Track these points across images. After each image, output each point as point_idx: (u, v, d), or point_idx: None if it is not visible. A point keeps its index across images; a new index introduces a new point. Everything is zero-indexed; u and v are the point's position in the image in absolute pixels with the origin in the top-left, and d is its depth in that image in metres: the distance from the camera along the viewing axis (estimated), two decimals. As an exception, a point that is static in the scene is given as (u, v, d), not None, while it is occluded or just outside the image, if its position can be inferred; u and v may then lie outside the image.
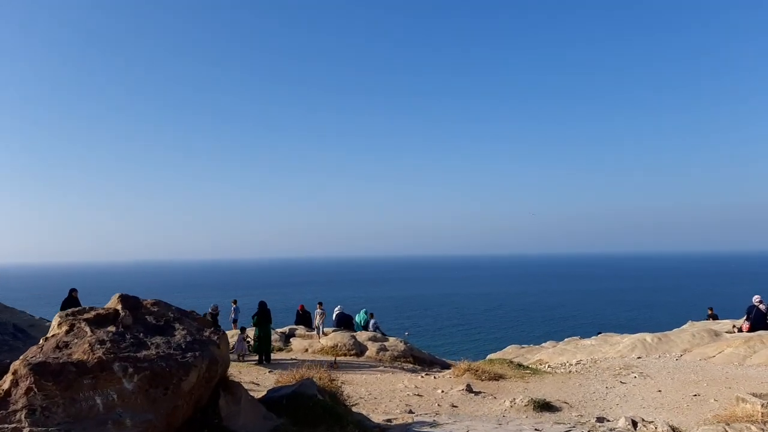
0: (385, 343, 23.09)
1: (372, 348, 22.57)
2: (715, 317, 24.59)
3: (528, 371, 14.69)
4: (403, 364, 22.32)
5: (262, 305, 19.43)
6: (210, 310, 22.09)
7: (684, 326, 20.89)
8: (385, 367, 19.80)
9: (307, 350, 22.04)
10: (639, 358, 15.77)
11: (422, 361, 23.43)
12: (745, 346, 14.51)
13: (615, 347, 16.98)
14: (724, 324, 20.03)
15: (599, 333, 26.81)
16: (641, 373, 13.47)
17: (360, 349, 22.52)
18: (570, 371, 14.59)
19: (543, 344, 23.82)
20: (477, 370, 14.06)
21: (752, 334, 15.56)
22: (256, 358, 18.91)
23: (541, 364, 17.19)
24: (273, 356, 20.08)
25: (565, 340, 24.35)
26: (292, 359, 20.06)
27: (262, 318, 19.10)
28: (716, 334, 16.35)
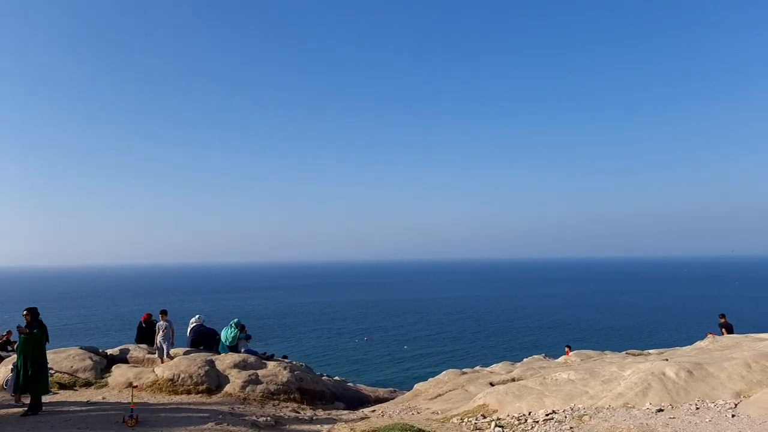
0: (259, 372, 15.33)
1: (236, 380, 14.80)
2: (729, 328, 17.82)
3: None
4: (283, 403, 14.69)
5: (32, 314, 11.46)
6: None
7: (702, 343, 13.85)
8: (235, 414, 12.22)
9: (131, 384, 14.18)
10: (660, 411, 8.56)
11: (317, 395, 15.76)
12: None
13: (611, 385, 9.70)
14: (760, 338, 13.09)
15: (568, 348, 19.73)
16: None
17: (216, 382, 14.76)
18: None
19: (493, 367, 16.63)
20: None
21: None
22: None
23: (484, 417, 9.84)
24: (61, 396, 12.53)
25: (526, 360, 17.14)
26: (82, 404, 12.39)
27: (30, 340, 11.24)
28: (787, 364, 9.29)
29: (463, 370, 16.20)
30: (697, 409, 8.53)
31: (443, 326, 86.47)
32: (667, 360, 10.28)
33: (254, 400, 14.23)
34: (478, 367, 17.19)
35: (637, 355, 14.43)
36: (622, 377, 9.81)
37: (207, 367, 14.81)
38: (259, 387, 14.64)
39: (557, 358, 16.75)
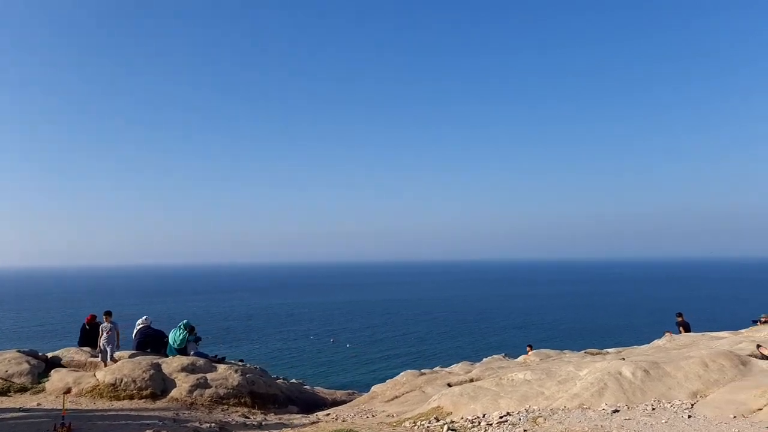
0: (209, 375, 14.64)
1: (183, 384, 14.09)
2: (686, 326, 17.84)
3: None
4: (232, 408, 14.05)
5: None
6: None
7: (660, 341, 13.75)
8: (178, 420, 11.57)
9: (70, 390, 13.37)
10: (616, 411, 8.28)
11: (270, 399, 15.15)
12: (826, 391, 7.31)
13: (568, 386, 9.40)
14: (719, 337, 13.03)
15: (530, 347, 19.55)
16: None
17: (161, 387, 14.03)
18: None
19: (453, 367, 16.29)
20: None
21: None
22: None
23: (437, 420, 9.44)
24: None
25: (485, 360, 16.86)
26: (14, 411, 11.63)
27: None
28: (743, 363, 9.11)
29: (422, 371, 15.80)
30: (654, 409, 8.27)
31: (411, 327, 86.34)
32: (623, 359, 10.04)
33: (202, 405, 13.55)
34: (437, 368, 16.81)
35: (596, 354, 14.25)
36: (579, 377, 9.52)
37: (152, 371, 14.06)
38: (208, 391, 13.96)
39: (518, 357, 16.50)
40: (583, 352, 15.12)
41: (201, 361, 14.77)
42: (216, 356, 15.83)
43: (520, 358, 15.94)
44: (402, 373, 15.32)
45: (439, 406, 10.28)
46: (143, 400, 13.38)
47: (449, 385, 13.51)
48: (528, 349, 19.93)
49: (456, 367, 15.91)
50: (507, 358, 16.86)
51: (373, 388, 15.09)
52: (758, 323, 15.49)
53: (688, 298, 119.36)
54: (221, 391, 14.08)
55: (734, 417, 7.66)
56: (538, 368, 10.54)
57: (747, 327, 14.55)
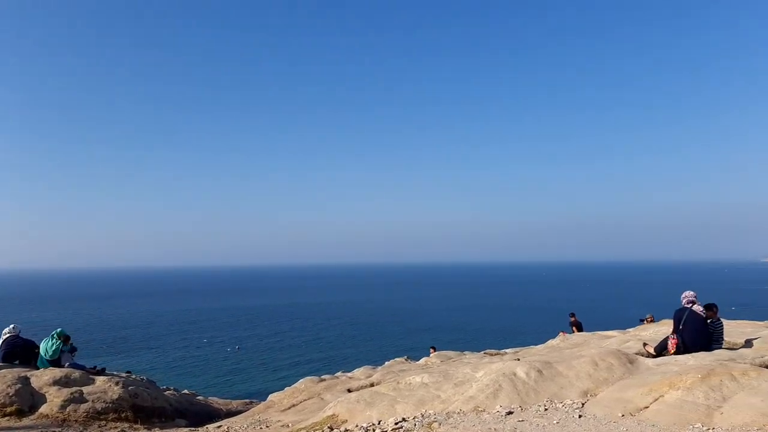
0: (85, 389, 13.28)
1: (55, 399, 12.65)
2: (578, 326, 18.48)
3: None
4: (111, 423, 12.82)
5: None
6: None
7: (554, 341, 14.04)
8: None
9: None
10: (510, 413, 8.15)
11: (155, 413, 13.99)
12: (704, 387, 7.50)
13: (464, 388, 9.21)
14: (610, 336, 13.46)
15: (433, 349, 19.55)
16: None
17: (29, 402, 12.56)
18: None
19: (354, 372, 15.86)
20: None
21: (698, 361, 8.76)
22: None
23: (331, 429, 8.95)
24: None
25: (387, 364, 16.59)
26: None
27: None
28: (631, 361, 9.32)
29: (322, 377, 15.23)
30: (546, 410, 8.22)
31: (323, 332, 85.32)
32: (518, 359, 10.03)
33: (76, 421, 12.23)
34: (339, 373, 16.31)
35: (494, 354, 14.37)
36: (475, 379, 9.36)
37: (18, 385, 12.55)
38: (84, 406, 12.65)
39: (419, 360, 16.37)
40: (482, 353, 15.21)
41: (76, 374, 13.38)
42: (95, 367, 14.44)
43: (422, 361, 15.79)
44: (301, 380, 14.68)
45: (334, 414, 9.79)
46: (7, 418, 11.89)
47: (349, 391, 13.08)
48: (431, 350, 19.94)
49: (357, 372, 15.48)
50: (409, 360, 16.69)
51: (270, 396, 14.35)
52: (644, 322, 16.35)
53: (582, 299, 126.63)
54: (99, 406, 12.80)
55: (622, 415, 7.73)
56: (436, 371, 10.32)
57: (634, 326, 15.25)
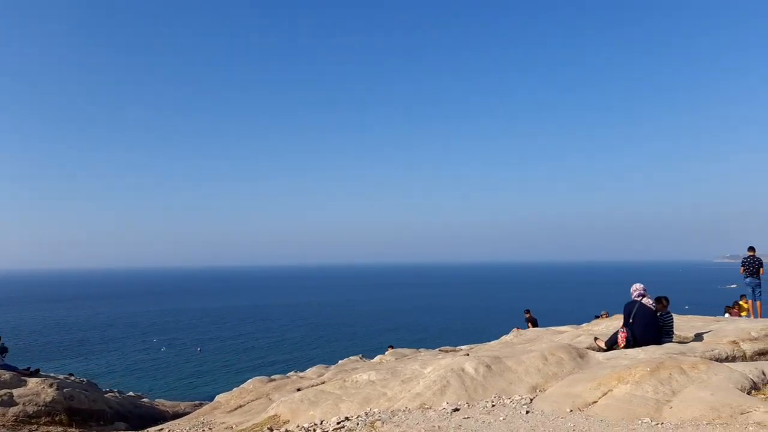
0: (15, 391, 12.49)
1: (-21, 402, 11.90)
2: (534, 322, 18.41)
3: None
4: (44, 427, 12.06)
5: None
6: None
7: (508, 337, 13.82)
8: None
9: None
10: (456, 410, 7.80)
11: (93, 416, 13.27)
12: (653, 381, 7.28)
13: (411, 385, 8.84)
14: (564, 331, 13.30)
15: (391, 347, 19.21)
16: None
17: (-49, 407, 11.71)
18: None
19: (307, 371, 15.39)
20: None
21: (648, 355, 8.56)
22: None
23: (272, 430, 8.48)
24: None
25: (341, 362, 16.17)
26: None
27: None
28: (581, 356, 9.08)
29: (272, 376, 14.70)
30: (493, 406, 7.90)
31: (287, 333, 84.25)
32: (468, 355, 9.72)
33: (3, 425, 11.46)
34: (291, 373, 15.81)
35: (449, 351, 14.07)
36: (423, 375, 9.00)
37: (-61, 389, 11.71)
38: (13, 409, 11.87)
39: (374, 358, 15.99)
40: (437, 350, 14.92)
41: (6, 375, 12.57)
42: (28, 369, 13.61)
43: (376, 359, 15.42)
44: (249, 380, 14.11)
45: (275, 415, 9.29)
46: None
47: (298, 390, 12.61)
48: (389, 349, 19.60)
49: (310, 371, 15.01)
50: (364, 359, 16.30)
51: (217, 397, 13.76)
52: (599, 318, 16.33)
53: (541, 299, 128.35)
54: (30, 409, 12.03)
55: (570, 411, 7.46)
56: (384, 368, 9.92)
57: (589, 322, 15.19)
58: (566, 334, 11.90)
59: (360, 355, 17.34)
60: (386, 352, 16.35)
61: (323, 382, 12.49)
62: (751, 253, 16.89)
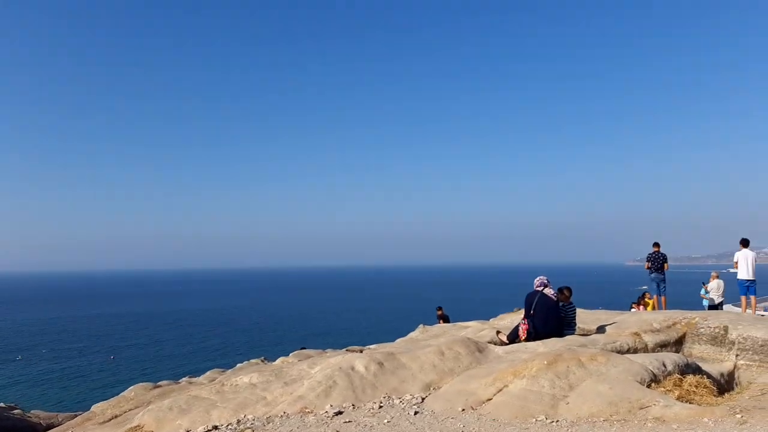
0: None
1: None
2: (445, 319, 18.01)
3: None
4: None
5: None
6: None
7: (414, 333, 13.15)
8: None
9: None
10: (339, 413, 6.92)
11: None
12: (550, 374, 6.69)
13: (294, 387, 7.89)
14: (469, 327, 12.76)
15: (302, 348, 18.13)
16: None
17: None
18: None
19: (203, 376, 14.11)
20: None
21: (549, 347, 8.03)
22: None
23: (129, 442, 7.30)
24: None
25: (239, 366, 14.95)
26: None
27: None
28: (479, 350, 8.45)
29: (159, 383, 13.32)
30: (380, 407, 7.08)
31: (208, 340, 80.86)
32: (362, 352, 8.89)
33: None
34: (184, 379, 14.44)
35: (356, 351, 13.22)
36: (309, 376, 8.08)
37: None
38: None
39: (276, 360, 14.91)
40: (344, 350, 14.02)
41: None
42: None
43: (278, 361, 14.33)
44: (131, 387, 12.67)
45: (139, 425, 8.08)
46: None
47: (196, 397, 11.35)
48: (301, 350, 18.56)
49: (203, 376, 13.74)
50: (266, 361, 15.16)
51: (93, 407, 12.22)
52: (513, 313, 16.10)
53: (459, 299, 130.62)
54: None
55: (462, 410, 6.75)
56: (268, 370, 8.92)
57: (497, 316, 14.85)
58: (471, 329, 11.35)
59: (262, 358, 16.16)
60: (290, 354, 15.30)
61: (223, 384, 11.32)
62: (656, 249, 17.09)
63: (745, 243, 15.64)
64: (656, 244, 17.16)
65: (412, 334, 12.80)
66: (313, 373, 8.09)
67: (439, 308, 18.06)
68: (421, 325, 13.48)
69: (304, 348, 19.68)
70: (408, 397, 7.32)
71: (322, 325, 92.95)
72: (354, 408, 7.13)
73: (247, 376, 8.57)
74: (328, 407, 7.18)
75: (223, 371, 14.00)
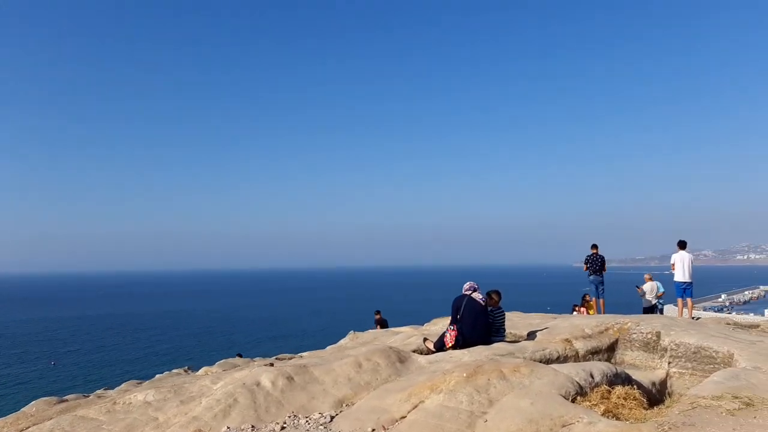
0: None
1: None
2: (383, 324, 17.45)
3: None
4: None
5: None
6: None
7: (344, 340, 12.44)
8: None
9: None
10: (234, 437, 6.17)
11: None
12: (469, 388, 6.09)
13: (191, 405, 7.07)
14: (402, 332, 12.14)
15: (239, 356, 17.20)
16: None
17: None
18: None
19: (114, 390, 13.04)
20: None
21: (473, 357, 7.46)
22: None
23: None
24: None
25: (159, 377, 13.94)
26: None
27: None
28: (401, 360, 7.80)
29: (65, 397, 12.19)
30: (283, 429, 6.35)
31: (157, 345, 78.16)
32: (272, 365, 8.13)
33: None
34: (100, 390, 13.32)
35: (284, 359, 12.44)
36: (210, 393, 7.26)
37: None
38: None
39: (200, 370, 13.97)
40: (274, 358, 13.21)
41: None
42: None
43: (201, 371, 13.39)
44: (33, 402, 11.52)
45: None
46: None
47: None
48: (238, 357, 17.63)
49: (118, 389, 12.67)
50: (189, 371, 14.16)
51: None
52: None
53: (406, 300, 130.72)
54: None
55: (373, 430, 6.10)
56: (167, 386, 8.05)
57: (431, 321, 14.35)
58: (402, 334, 10.74)
59: (186, 367, 15.10)
60: (215, 364, 14.37)
61: (115, 402, 10.33)
62: (594, 251, 16.92)
63: (682, 245, 15.57)
64: (594, 246, 16.98)
65: (341, 342, 12.09)
66: (214, 389, 7.29)
67: (377, 312, 17.44)
68: (351, 332, 12.77)
69: (240, 355, 18.69)
70: (316, 416, 6.59)
71: (275, 329, 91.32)
72: (253, 430, 6.36)
73: (142, 393, 7.69)
74: (225, 429, 6.40)
75: (139, 383, 12.98)
